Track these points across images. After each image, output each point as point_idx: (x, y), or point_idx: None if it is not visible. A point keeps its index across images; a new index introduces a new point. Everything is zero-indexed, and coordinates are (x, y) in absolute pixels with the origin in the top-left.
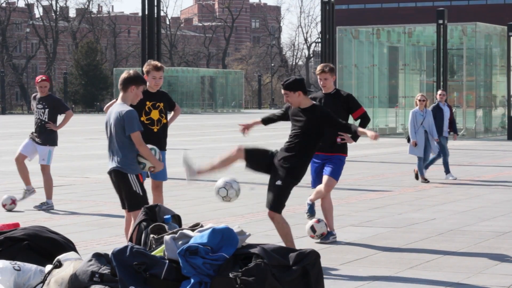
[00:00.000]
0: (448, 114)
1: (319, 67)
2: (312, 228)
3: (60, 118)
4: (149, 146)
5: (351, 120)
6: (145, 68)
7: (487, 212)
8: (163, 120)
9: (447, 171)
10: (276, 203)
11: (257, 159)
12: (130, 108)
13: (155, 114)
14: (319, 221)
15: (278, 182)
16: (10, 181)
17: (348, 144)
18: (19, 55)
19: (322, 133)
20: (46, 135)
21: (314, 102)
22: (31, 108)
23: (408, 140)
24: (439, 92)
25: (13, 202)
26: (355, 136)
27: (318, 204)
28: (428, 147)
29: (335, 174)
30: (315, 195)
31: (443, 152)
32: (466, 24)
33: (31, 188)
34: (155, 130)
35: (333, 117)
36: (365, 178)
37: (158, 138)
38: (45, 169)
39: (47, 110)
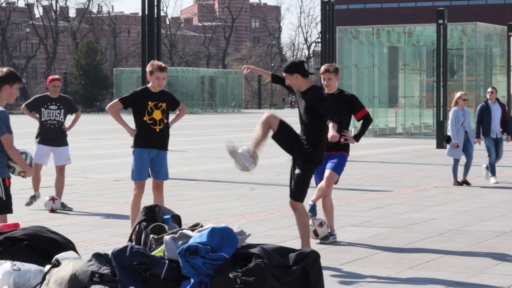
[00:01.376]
0: (498, 113)
1: (323, 67)
2: (315, 232)
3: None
4: (20, 150)
5: (353, 120)
6: (148, 68)
7: (487, 212)
8: (164, 120)
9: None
10: (298, 192)
11: (288, 131)
12: (2, 109)
13: (157, 114)
14: (322, 224)
15: (297, 171)
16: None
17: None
18: (19, 55)
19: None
20: (64, 136)
21: (314, 85)
22: (37, 111)
23: (447, 141)
24: (489, 89)
25: (52, 199)
26: (357, 136)
27: (319, 204)
28: (470, 148)
29: (337, 169)
30: (316, 194)
31: (489, 154)
32: (466, 24)
33: (39, 194)
34: (157, 130)
35: (323, 103)
36: (365, 178)
37: (161, 138)
38: (63, 169)
39: (62, 110)
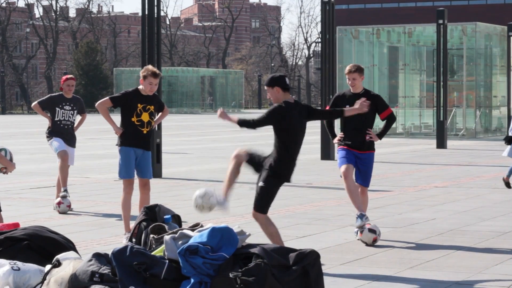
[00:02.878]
0: None
1: (347, 68)
2: (371, 230)
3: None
4: None
5: (377, 120)
6: (142, 73)
7: (487, 212)
8: (152, 122)
9: None
10: (259, 203)
11: (256, 157)
12: None
13: (145, 116)
14: (362, 232)
15: (260, 183)
16: (10, 181)
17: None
18: (19, 55)
19: (283, 128)
20: (74, 137)
21: (287, 100)
22: (49, 111)
23: (509, 142)
24: None
25: (58, 203)
26: (380, 134)
27: (321, 206)
28: None
29: (367, 182)
30: (356, 204)
31: None
32: (466, 24)
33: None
34: (145, 132)
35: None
36: None
37: (147, 140)
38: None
39: (75, 111)
